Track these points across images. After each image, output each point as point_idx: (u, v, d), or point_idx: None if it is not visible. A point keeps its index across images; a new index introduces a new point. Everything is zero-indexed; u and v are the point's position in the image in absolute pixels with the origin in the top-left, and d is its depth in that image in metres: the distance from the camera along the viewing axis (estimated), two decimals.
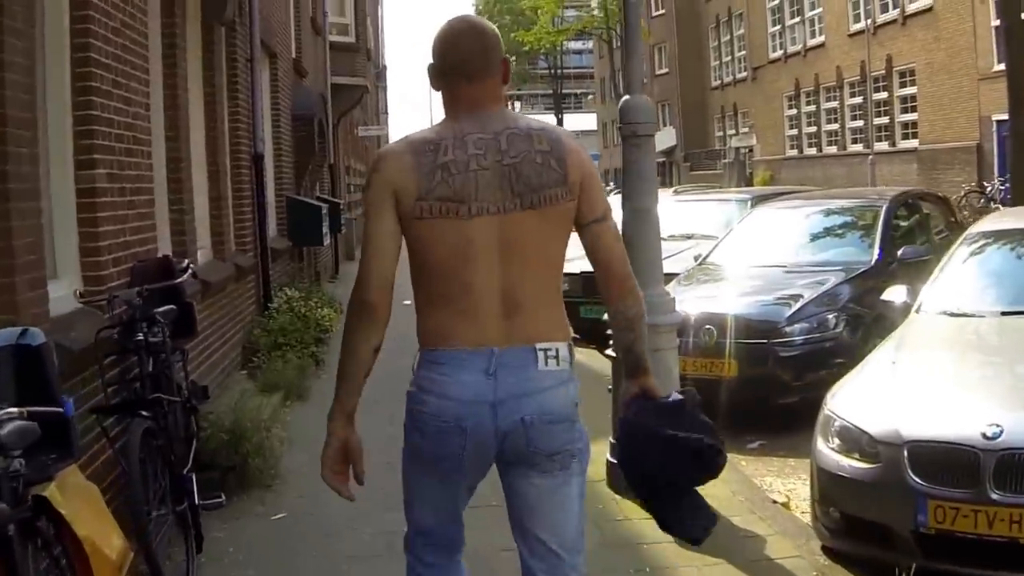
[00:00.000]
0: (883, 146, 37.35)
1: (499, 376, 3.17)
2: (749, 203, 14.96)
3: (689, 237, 14.55)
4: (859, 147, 40.14)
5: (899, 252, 10.35)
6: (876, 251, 10.46)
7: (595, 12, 62.58)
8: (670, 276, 13.04)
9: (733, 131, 55.89)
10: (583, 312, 13.34)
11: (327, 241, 18.49)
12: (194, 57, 9.64)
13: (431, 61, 3.37)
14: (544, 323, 3.26)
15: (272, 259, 13.07)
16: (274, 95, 15.09)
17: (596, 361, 12.00)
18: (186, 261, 6.56)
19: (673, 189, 22.02)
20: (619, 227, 3.55)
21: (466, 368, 3.18)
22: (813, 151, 44.89)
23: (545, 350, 3.22)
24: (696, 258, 11.70)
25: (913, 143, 36.03)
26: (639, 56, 6.97)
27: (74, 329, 5.46)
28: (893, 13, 36.51)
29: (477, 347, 3.18)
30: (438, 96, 3.39)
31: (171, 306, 5.96)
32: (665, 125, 63.19)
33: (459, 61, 3.28)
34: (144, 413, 5.19)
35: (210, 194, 10.01)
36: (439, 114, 3.51)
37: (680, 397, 3.49)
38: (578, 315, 13.42)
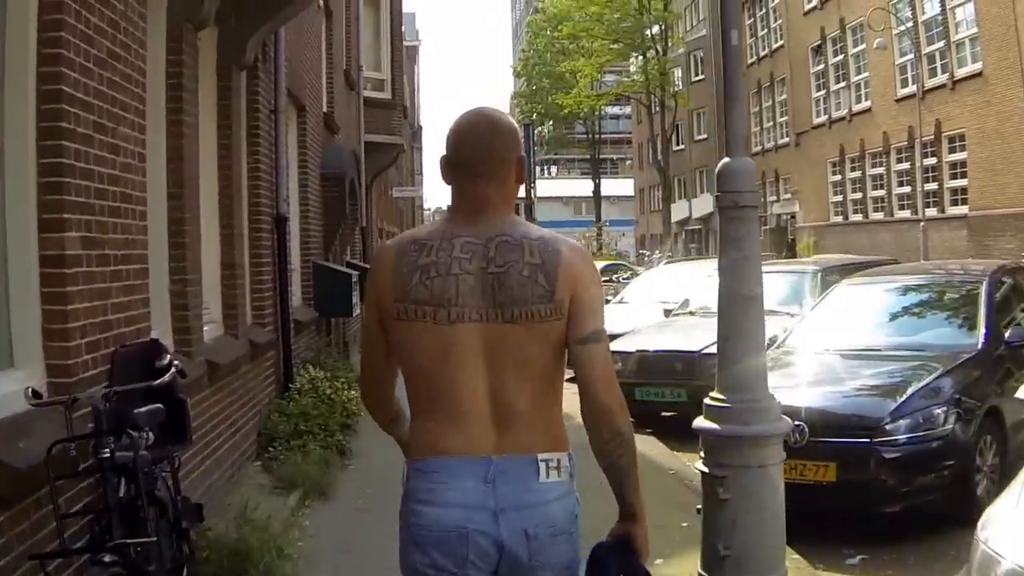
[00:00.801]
0: (931, 212, 36.28)
1: (497, 484, 2.99)
2: (819, 275, 13.72)
3: None
4: (906, 213, 39.05)
5: (1006, 335, 9.15)
6: (981, 334, 9.16)
7: (635, 76, 62.01)
8: None
9: (774, 198, 54.89)
10: (639, 394, 12.25)
11: (357, 311, 17.15)
12: (208, 103, 8.47)
13: (444, 154, 3.19)
14: (543, 432, 3.07)
15: (295, 332, 11.80)
16: (302, 151, 13.88)
17: (658, 452, 10.78)
18: (168, 356, 5.19)
19: None
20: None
21: (462, 475, 3.00)
22: (858, 217, 43.72)
23: (547, 461, 3.04)
24: (771, 340, 10.39)
25: (963, 209, 34.96)
26: (741, 105, 5.71)
27: (23, 439, 4.25)
28: (942, 78, 35.56)
29: (471, 455, 3.01)
30: None
31: (156, 405, 4.71)
32: (703, 192, 62.73)
33: (470, 156, 3.12)
34: (106, 558, 3.92)
35: (222, 260, 8.73)
36: None
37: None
38: (633, 397, 12.26)
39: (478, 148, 3.10)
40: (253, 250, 10.09)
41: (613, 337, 16.01)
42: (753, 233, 5.52)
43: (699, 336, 12.43)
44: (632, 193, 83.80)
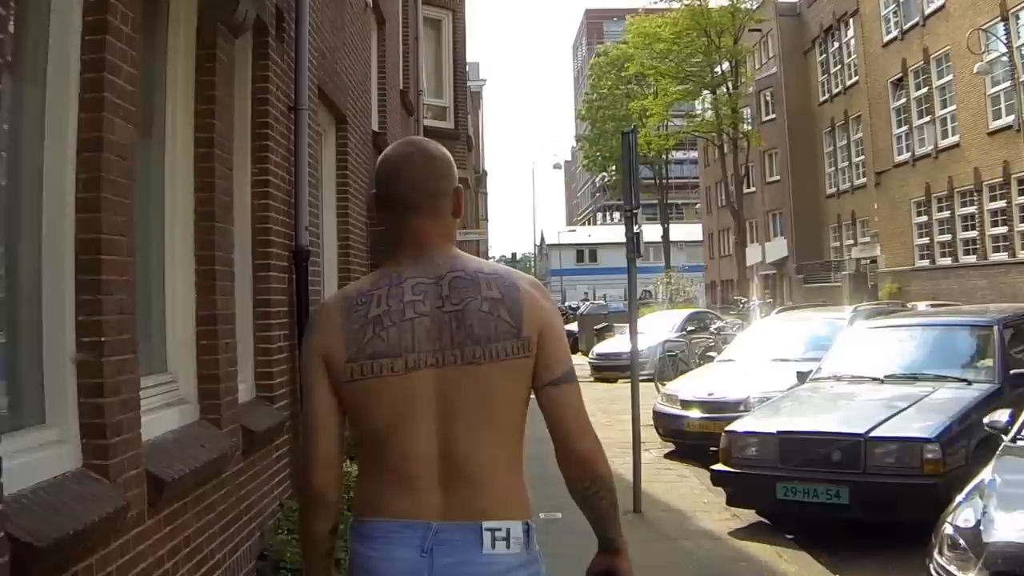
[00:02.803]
0: None
1: (435, 555, 2.72)
2: (996, 328, 10.70)
3: (914, 378, 10.41)
4: (1002, 256, 36.60)
5: None
6: None
7: (705, 115, 59.56)
8: (908, 442, 8.68)
9: (851, 241, 52.33)
10: (781, 491, 9.12)
11: None
12: (181, 77, 5.71)
13: (374, 190, 2.98)
14: (495, 496, 2.78)
15: None
16: (341, 172, 11.04)
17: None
18: None
19: (852, 308, 17.29)
20: None
21: (397, 543, 2.75)
22: (947, 261, 41.05)
23: (493, 530, 2.74)
24: (995, 427, 7.39)
25: None
26: None
27: None
28: None
29: (410, 519, 2.76)
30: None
31: None
32: (776, 235, 60.31)
33: (404, 191, 2.90)
34: None
35: (199, 311, 5.75)
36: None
37: None
38: (773, 494, 9.18)
39: (414, 182, 2.89)
40: (259, 296, 7.20)
41: (724, 405, 13.05)
42: None
43: (862, 412, 9.36)
44: (699, 238, 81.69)
